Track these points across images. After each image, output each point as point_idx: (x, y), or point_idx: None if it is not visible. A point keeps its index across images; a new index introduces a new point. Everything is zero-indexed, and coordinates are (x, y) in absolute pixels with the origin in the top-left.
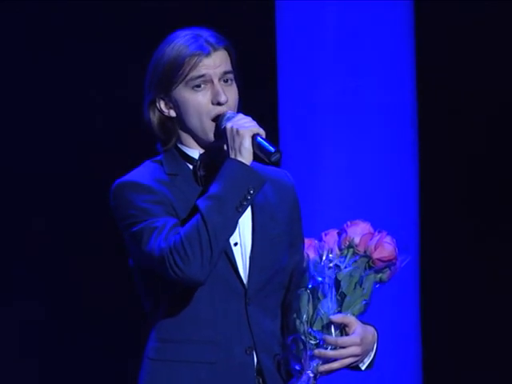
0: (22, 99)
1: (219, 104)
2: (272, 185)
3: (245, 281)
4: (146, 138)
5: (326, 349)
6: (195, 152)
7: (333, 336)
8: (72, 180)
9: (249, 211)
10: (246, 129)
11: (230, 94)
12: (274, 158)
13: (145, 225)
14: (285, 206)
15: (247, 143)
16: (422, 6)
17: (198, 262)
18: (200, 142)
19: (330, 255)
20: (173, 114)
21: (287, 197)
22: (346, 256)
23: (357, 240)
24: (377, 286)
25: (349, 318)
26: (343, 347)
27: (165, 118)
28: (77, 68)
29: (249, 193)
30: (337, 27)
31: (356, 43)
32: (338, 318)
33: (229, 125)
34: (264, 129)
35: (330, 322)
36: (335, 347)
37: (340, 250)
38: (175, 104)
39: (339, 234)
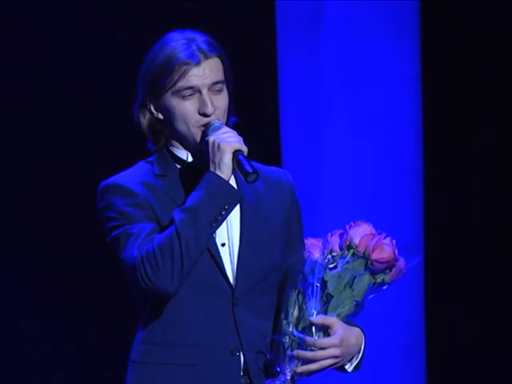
0: (20, 99)
1: (205, 115)
2: (268, 184)
3: (232, 281)
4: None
5: (307, 350)
6: (184, 153)
7: (313, 337)
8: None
9: (237, 211)
10: (227, 144)
11: (218, 103)
12: (250, 179)
13: (122, 230)
14: (280, 206)
15: (227, 159)
16: (428, 6)
17: (169, 274)
18: (187, 145)
19: (329, 255)
20: (161, 116)
21: (284, 197)
22: (345, 256)
23: (357, 241)
24: (384, 287)
25: (329, 320)
26: (322, 348)
27: (154, 120)
28: (78, 65)
29: (224, 208)
30: (339, 28)
31: (358, 44)
32: (317, 319)
33: (211, 138)
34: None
35: (312, 324)
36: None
37: (341, 250)
38: (163, 109)
39: (341, 235)
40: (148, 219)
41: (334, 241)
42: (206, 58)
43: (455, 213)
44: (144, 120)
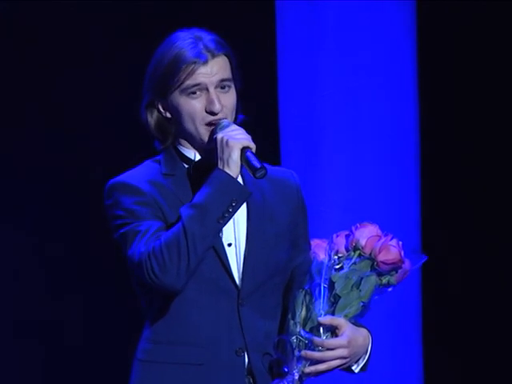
0: (21, 102)
1: (213, 113)
2: (274, 185)
3: (238, 282)
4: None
5: (314, 350)
6: (192, 153)
7: (321, 338)
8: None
9: (244, 211)
10: (236, 141)
11: (226, 101)
12: (258, 174)
13: (130, 228)
14: (286, 206)
15: (235, 155)
16: (425, 5)
17: (175, 270)
18: (195, 144)
19: (335, 256)
20: (169, 115)
21: (290, 197)
22: (352, 258)
23: (363, 242)
24: (389, 289)
25: (338, 320)
26: (330, 349)
27: (162, 119)
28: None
29: (231, 205)
30: (338, 28)
31: (357, 44)
32: (326, 319)
33: (220, 135)
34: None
35: (320, 324)
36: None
37: (347, 251)
38: (171, 108)
39: (347, 236)
40: (156, 217)
41: (339, 242)
42: (213, 56)
43: (454, 213)
44: (151, 119)
